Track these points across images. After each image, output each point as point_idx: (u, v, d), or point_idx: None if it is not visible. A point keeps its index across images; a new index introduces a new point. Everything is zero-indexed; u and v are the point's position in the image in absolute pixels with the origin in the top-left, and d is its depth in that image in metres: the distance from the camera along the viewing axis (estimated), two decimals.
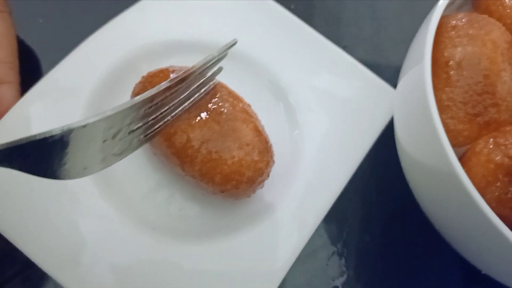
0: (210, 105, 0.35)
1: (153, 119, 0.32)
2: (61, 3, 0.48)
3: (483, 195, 0.29)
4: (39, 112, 0.38)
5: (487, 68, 0.34)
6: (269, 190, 0.39)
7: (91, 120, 0.26)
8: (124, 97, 0.38)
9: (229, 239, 0.37)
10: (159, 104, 0.32)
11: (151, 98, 0.31)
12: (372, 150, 0.41)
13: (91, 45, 0.40)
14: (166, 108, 0.33)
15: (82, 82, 0.39)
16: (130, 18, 0.42)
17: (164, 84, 0.31)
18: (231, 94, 0.37)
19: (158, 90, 0.31)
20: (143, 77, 0.37)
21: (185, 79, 0.33)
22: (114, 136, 0.29)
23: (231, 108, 0.36)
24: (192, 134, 0.34)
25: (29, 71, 0.44)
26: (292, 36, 0.44)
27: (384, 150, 0.41)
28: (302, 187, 0.39)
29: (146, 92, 0.30)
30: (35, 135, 0.24)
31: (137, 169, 0.38)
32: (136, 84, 0.37)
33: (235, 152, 0.35)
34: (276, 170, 0.39)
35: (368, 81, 0.44)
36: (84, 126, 0.26)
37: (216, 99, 0.36)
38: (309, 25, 0.45)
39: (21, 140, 0.24)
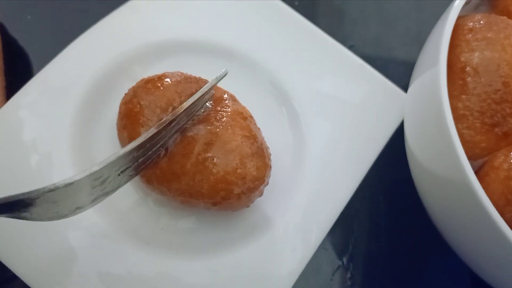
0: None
1: (142, 156, 0.31)
2: None
3: (502, 214, 0.27)
4: (29, 114, 0.36)
5: (507, 74, 0.32)
6: (270, 200, 0.37)
7: (77, 178, 0.26)
8: (116, 99, 0.36)
9: (227, 254, 0.34)
10: (148, 146, 0.31)
11: (139, 147, 0.30)
12: (380, 158, 0.39)
13: (81, 45, 0.38)
14: (157, 146, 0.32)
15: (73, 84, 0.37)
16: (123, 17, 0.40)
17: (151, 131, 0.30)
18: (218, 97, 0.35)
19: (145, 138, 0.29)
20: (129, 90, 0.35)
21: (174, 120, 0.31)
22: (102, 182, 0.28)
23: (217, 112, 0.34)
24: (175, 150, 0.32)
25: (18, 69, 0.42)
26: (295, 35, 0.42)
27: (393, 158, 0.39)
28: (305, 197, 0.37)
29: (133, 142, 0.29)
30: (20, 195, 0.24)
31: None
32: (123, 97, 0.35)
33: (220, 160, 0.32)
34: (277, 178, 0.37)
35: (377, 83, 0.41)
36: (70, 184, 0.26)
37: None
38: (314, 24, 0.42)
39: (7, 198, 0.24)
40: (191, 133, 0.33)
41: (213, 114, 0.34)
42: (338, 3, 0.50)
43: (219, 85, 0.36)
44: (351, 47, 0.42)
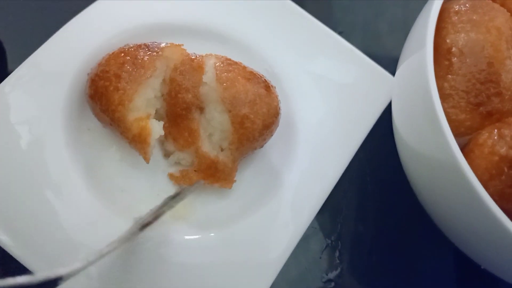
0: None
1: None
2: None
3: (486, 188, 0.28)
4: (19, 99, 0.35)
5: (491, 55, 0.33)
6: (263, 178, 0.38)
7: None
8: None
9: (221, 230, 0.35)
10: None
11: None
12: (368, 139, 0.40)
13: (73, 28, 0.38)
14: None
15: (64, 67, 0.37)
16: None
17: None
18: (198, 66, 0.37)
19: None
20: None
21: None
22: None
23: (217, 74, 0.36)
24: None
25: None
26: (286, 21, 0.42)
27: (381, 139, 0.40)
28: (297, 177, 0.38)
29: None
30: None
31: (121, 160, 0.37)
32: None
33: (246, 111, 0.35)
34: (270, 159, 0.38)
35: (365, 67, 0.42)
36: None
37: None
38: (305, 10, 0.43)
39: None
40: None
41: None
42: None
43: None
44: (340, 33, 0.43)
